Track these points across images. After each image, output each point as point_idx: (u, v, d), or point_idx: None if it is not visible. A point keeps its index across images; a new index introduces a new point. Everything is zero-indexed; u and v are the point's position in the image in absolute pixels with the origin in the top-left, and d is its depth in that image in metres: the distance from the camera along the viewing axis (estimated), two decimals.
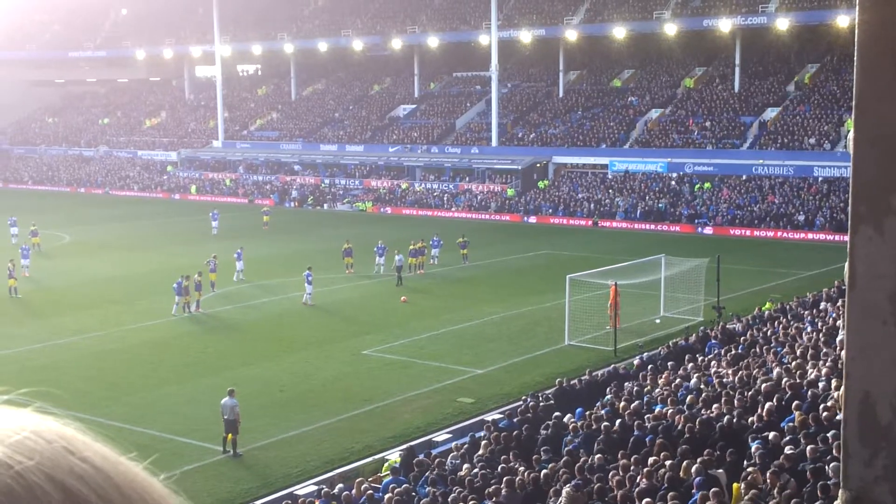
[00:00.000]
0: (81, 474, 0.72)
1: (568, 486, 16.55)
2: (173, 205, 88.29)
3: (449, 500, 17.53)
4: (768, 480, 15.54)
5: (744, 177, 71.64)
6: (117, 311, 39.79)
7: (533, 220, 73.60)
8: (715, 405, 20.58)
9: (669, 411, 20.65)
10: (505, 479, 17.94)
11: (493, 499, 16.94)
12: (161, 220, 75.04)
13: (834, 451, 14.96)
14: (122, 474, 0.76)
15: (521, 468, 19.06)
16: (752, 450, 17.35)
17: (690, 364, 25.66)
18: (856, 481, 1.18)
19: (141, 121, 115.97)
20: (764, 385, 21.21)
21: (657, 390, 23.63)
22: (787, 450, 16.71)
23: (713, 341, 28.88)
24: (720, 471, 16.68)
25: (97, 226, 70.66)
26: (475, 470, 19.46)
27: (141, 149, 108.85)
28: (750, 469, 16.12)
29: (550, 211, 74.21)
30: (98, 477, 0.73)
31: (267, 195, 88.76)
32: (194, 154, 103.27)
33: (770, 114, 77.11)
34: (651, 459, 17.78)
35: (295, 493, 20.76)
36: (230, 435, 23.87)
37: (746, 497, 14.85)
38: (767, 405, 19.57)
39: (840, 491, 1.23)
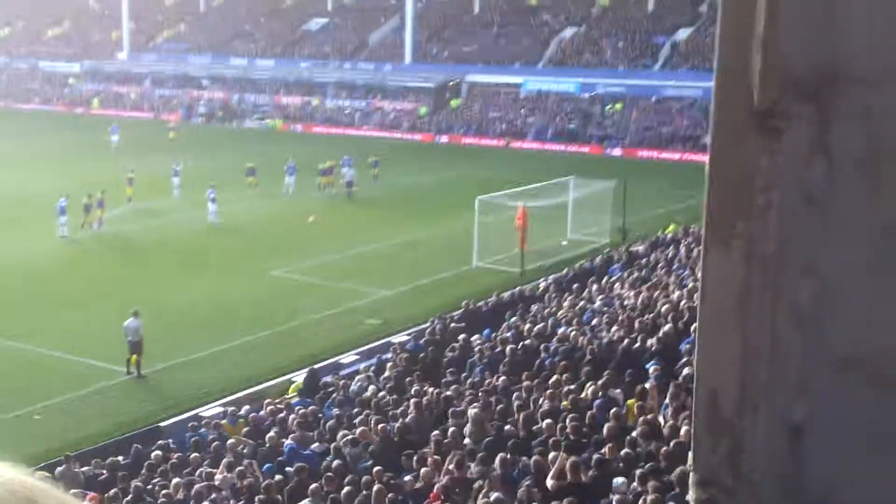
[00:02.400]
0: None
1: (473, 406, 16.81)
2: (76, 119, 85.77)
3: (355, 422, 17.69)
4: (668, 400, 15.99)
5: (653, 98, 72.31)
6: (17, 231, 38.72)
7: (445, 139, 73.43)
8: (615, 327, 21.03)
9: (573, 333, 21.02)
10: (412, 400, 18.16)
11: (400, 420, 17.13)
12: (61, 134, 72.84)
13: None
14: None
15: (428, 389, 19.31)
16: (650, 371, 17.83)
17: (595, 286, 26.09)
18: (703, 467, 1.37)
19: (42, 30, 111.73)
20: (664, 307, 21.70)
21: (561, 312, 24.01)
22: (685, 371, 17.21)
23: (617, 264, 29.39)
24: (618, 391, 17.10)
25: None
26: (381, 392, 19.66)
27: (43, 59, 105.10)
28: (646, 388, 16.56)
29: (463, 131, 74.09)
30: None
31: (174, 110, 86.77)
32: (98, 66, 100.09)
33: (682, 34, 77.60)
34: (553, 380, 18.15)
35: (200, 414, 20.73)
36: (134, 356, 23.66)
37: (641, 417, 15.28)
38: (666, 327, 20.05)
39: (690, 474, 1.40)
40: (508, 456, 14.51)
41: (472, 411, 16.38)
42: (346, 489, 14.00)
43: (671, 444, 13.76)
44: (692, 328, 19.56)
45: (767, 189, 1.26)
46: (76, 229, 38.33)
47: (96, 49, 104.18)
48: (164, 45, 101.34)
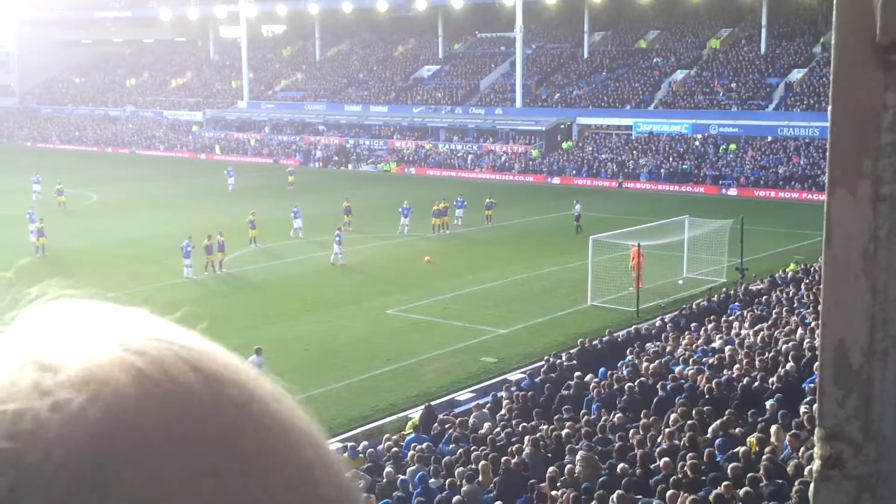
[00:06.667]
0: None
1: (582, 446, 16.63)
2: (198, 164, 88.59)
3: (472, 458, 17.75)
4: (787, 440, 15.66)
5: (769, 138, 71.11)
6: (143, 271, 40.02)
7: (557, 180, 73.44)
8: (736, 366, 20.68)
9: (691, 371, 20.75)
10: (528, 437, 18.14)
11: (516, 457, 17.13)
12: (186, 179, 75.33)
13: None
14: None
15: (544, 426, 19.27)
16: (771, 409, 17.47)
17: (712, 325, 25.72)
18: (830, 419, 1.32)
19: (167, 81, 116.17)
20: (785, 346, 21.27)
21: (679, 350, 23.73)
22: (804, 408, 16.83)
23: (736, 302, 28.91)
24: (738, 430, 16.80)
25: (124, 185, 71.01)
26: (497, 428, 19.68)
27: (167, 109, 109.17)
28: (770, 428, 16.24)
29: (574, 172, 74.01)
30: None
31: (292, 155, 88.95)
32: (219, 114, 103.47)
33: (796, 75, 76.33)
34: (672, 418, 17.94)
35: None
36: None
37: (765, 454, 15.00)
38: (788, 366, 19.64)
39: (816, 428, 1.36)
40: (626, 494, 14.40)
41: (580, 451, 16.25)
42: None
43: (796, 482, 13.48)
44: (815, 367, 19.10)
45: (895, 127, 1.22)
46: (200, 270, 39.48)
47: (217, 98, 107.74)
48: (281, 94, 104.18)
